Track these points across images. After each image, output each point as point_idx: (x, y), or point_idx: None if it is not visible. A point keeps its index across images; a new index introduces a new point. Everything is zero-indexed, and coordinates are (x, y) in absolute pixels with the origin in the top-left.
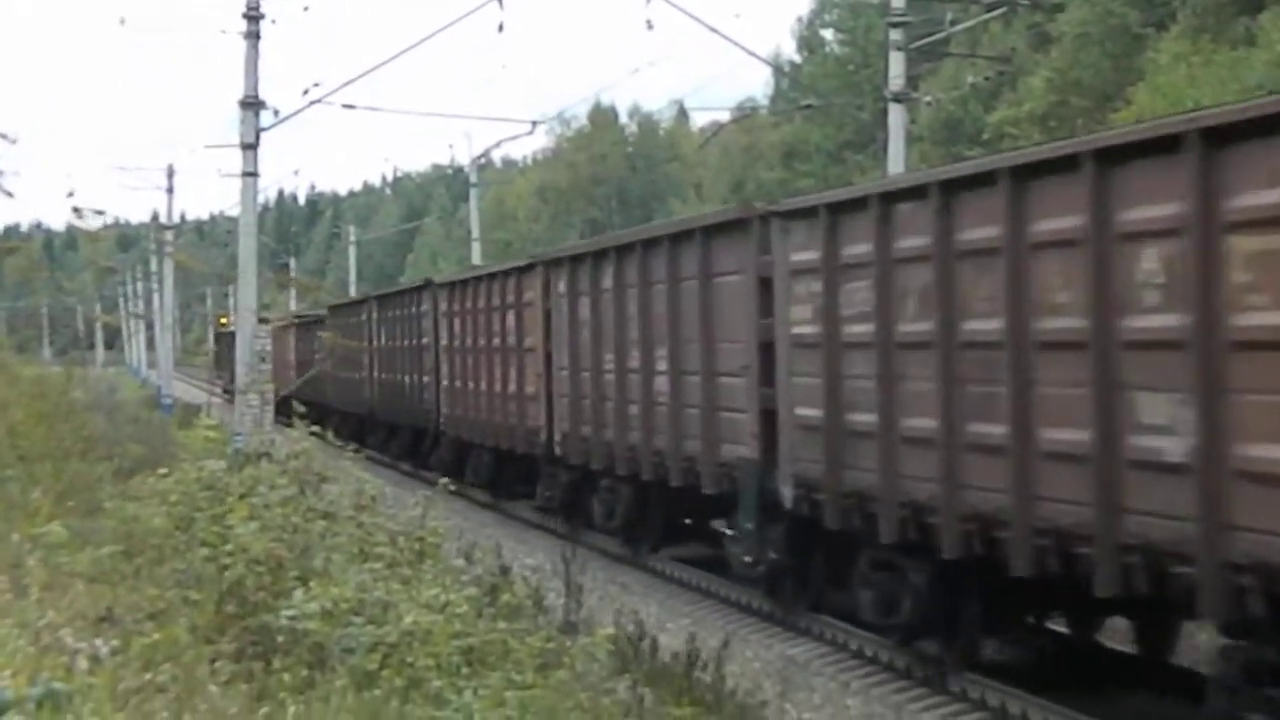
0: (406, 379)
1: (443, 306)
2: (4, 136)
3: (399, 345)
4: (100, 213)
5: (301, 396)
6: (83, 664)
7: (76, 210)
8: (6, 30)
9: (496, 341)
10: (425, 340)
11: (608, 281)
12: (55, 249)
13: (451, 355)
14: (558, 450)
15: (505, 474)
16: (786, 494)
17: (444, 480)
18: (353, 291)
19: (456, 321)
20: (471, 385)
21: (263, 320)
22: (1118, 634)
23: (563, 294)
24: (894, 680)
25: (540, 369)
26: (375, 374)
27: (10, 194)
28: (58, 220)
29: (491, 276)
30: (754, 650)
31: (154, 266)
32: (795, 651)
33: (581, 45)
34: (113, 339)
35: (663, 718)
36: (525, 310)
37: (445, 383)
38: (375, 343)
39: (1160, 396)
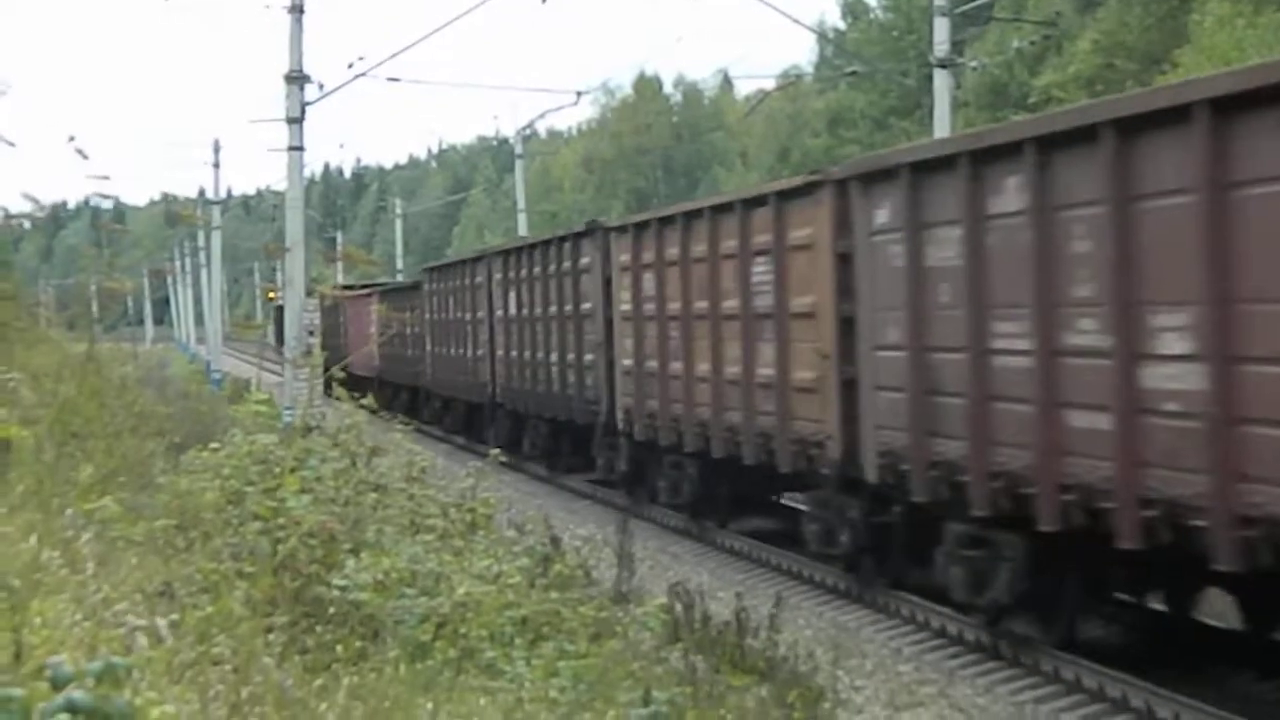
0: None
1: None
2: None
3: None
4: (105, 178)
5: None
6: (141, 640)
7: (83, 154)
8: (52, 10)
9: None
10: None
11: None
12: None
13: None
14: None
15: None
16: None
17: (495, 451)
18: (399, 264)
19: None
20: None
21: (310, 294)
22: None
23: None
24: (945, 646)
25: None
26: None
27: (12, 144)
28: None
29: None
30: (805, 618)
31: (201, 242)
32: (846, 618)
33: (626, 14)
34: (161, 315)
35: (715, 685)
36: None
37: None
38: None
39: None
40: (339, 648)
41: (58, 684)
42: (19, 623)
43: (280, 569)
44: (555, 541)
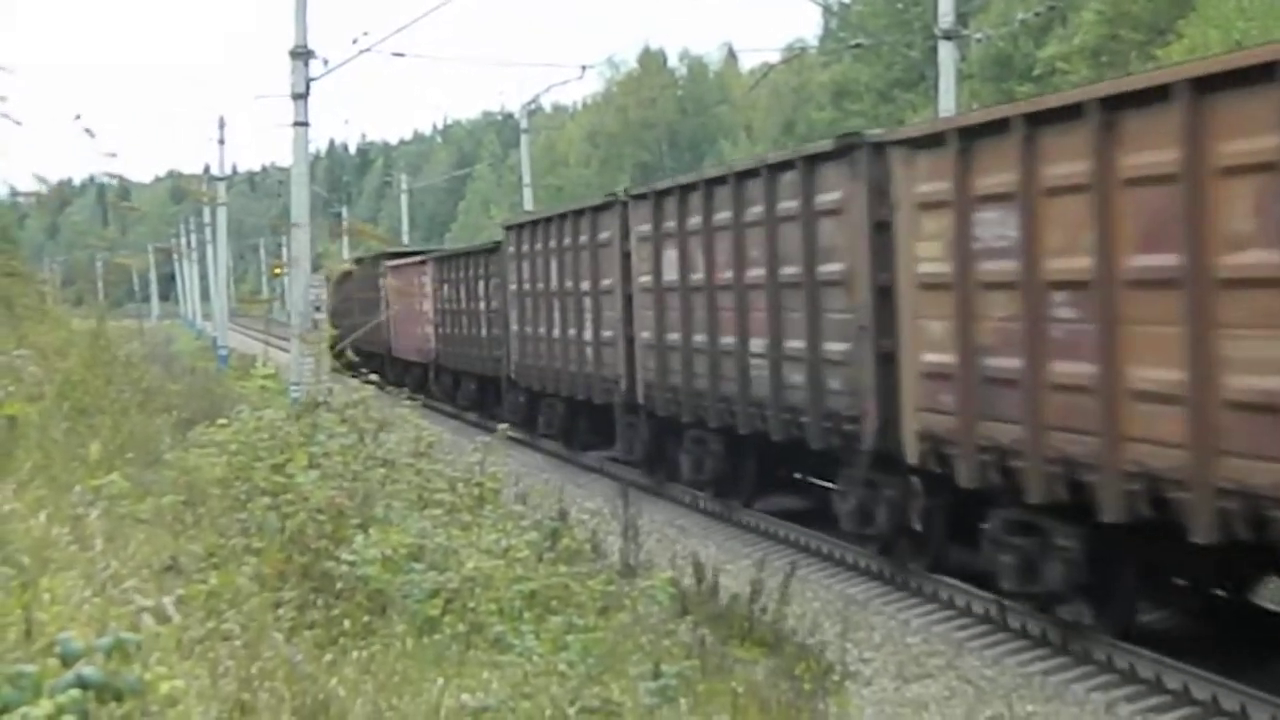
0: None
1: (510, 249)
2: (2, 68)
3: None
4: (113, 155)
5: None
6: (147, 616)
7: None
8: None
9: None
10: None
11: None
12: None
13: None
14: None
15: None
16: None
17: (503, 426)
18: (405, 240)
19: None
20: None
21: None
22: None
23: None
24: (954, 618)
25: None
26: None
27: (19, 122)
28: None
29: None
30: (814, 590)
31: (206, 218)
32: (854, 591)
33: None
34: (167, 291)
35: (724, 658)
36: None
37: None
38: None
39: None
40: (347, 622)
41: (68, 660)
42: (28, 600)
43: (289, 544)
44: (563, 515)
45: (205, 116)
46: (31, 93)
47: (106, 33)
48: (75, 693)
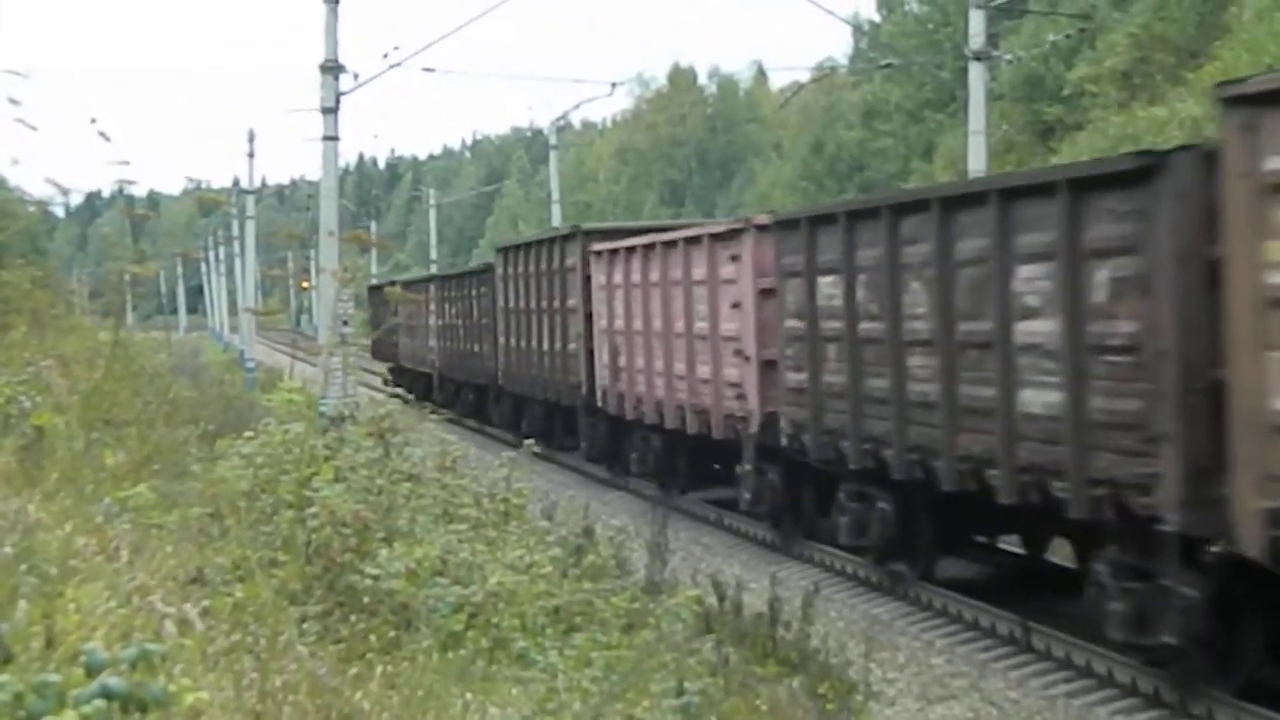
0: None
1: (499, 271)
2: (17, 73)
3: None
4: (126, 163)
5: None
6: (171, 627)
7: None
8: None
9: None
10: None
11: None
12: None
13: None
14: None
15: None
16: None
17: (529, 441)
18: (434, 254)
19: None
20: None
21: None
22: None
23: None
24: (978, 639)
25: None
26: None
27: (34, 127)
28: (142, 185)
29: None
30: (838, 609)
31: (235, 231)
32: (879, 610)
33: (661, 5)
34: (195, 304)
35: (748, 676)
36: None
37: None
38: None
39: None
40: (372, 637)
41: (93, 670)
42: (52, 609)
43: (314, 557)
44: (589, 532)
45: (236, 129)
46: (62, 103)
47: (141, 44)
48: (100, 703)
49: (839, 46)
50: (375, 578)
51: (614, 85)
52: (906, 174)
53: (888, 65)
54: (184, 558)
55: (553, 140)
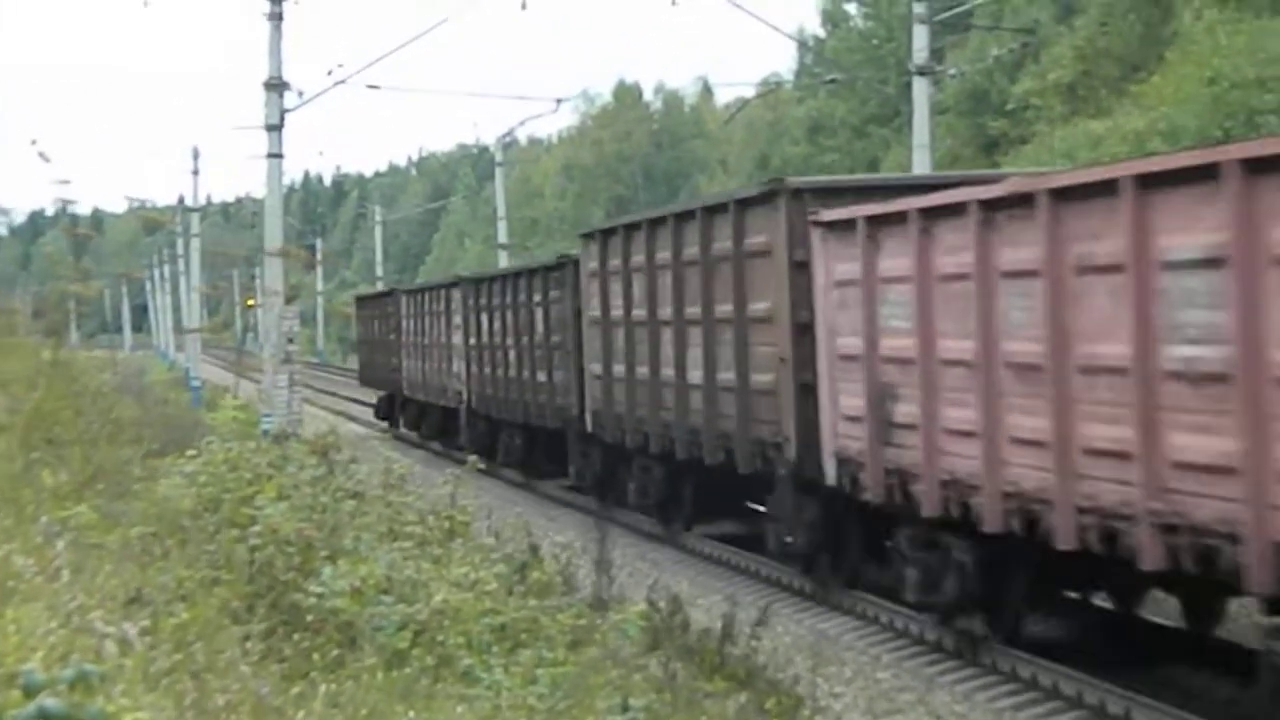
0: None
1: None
2: None
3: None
4: (67, 182)
5: None
6: (111, 648)
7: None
8: (31, 13)
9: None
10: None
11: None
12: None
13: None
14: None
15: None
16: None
17: (473, 458)
18: (379, 271)
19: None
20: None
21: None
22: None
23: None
24: (925, 654)
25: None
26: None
27: (48, 159)
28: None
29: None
30: (785, 625)
31: (180, 249)
32: (826, 626)
33: (605, 22)
34: (140, 322)
35: (694, 692)
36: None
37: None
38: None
39: None
40: (316, 655)
41: (30, 691)
42: None
43: (257, 576)
44: (534, 549)
45: (180, 145)
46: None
47: (82, 62)
48: None
49: (784, 62)
50: (319, 596)
51: (559, 102)
52: None
53: (832, 81)
54: (125, 577)
55: (499, 157)
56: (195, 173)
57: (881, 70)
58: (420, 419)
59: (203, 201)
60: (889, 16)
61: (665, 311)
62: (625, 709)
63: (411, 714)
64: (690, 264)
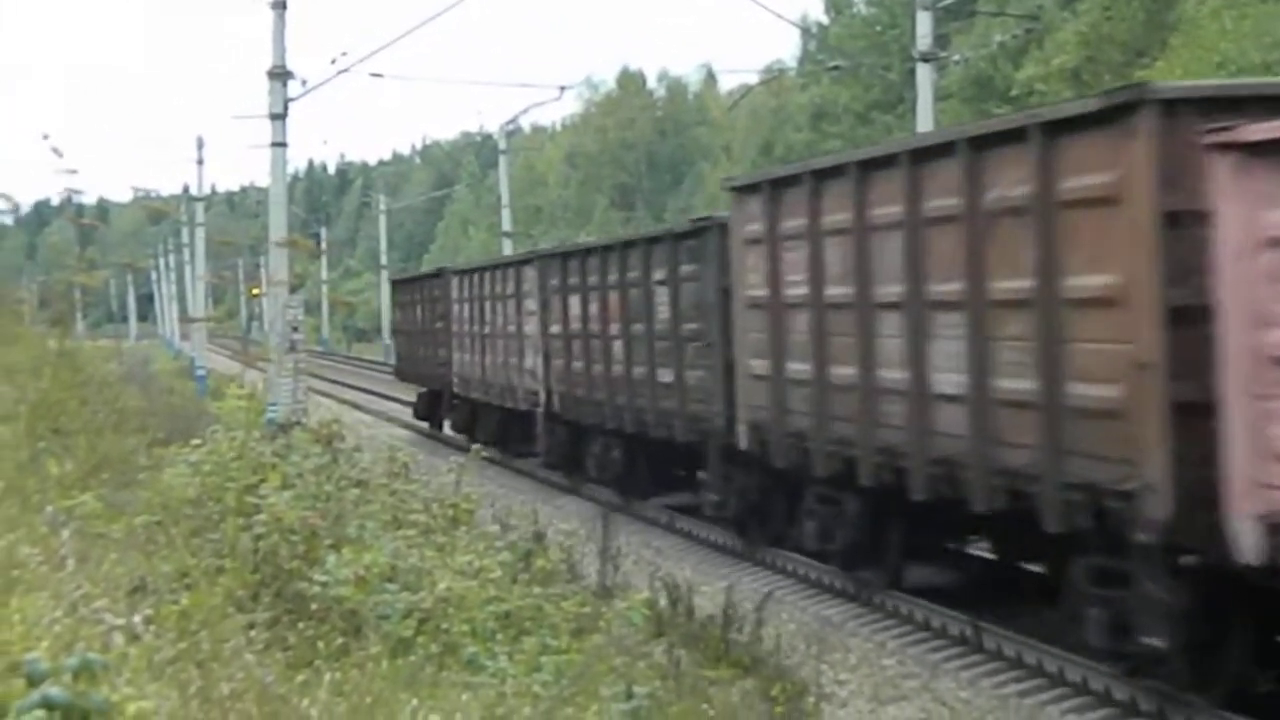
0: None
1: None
2: None
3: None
4: (74, 172)
5: None
6: (116, 636)
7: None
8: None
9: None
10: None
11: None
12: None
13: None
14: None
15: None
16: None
17: (476, 446)
18: (384, 260)
19: (571, 298)
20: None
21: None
22: None
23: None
24: (928, 640)
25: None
26: None
27: (60, 154)
28: (91, 192)
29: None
30: (789, 612)
31: (185, 239)
32: (830, 612)
33: (609, 9)
34: (146, 312)
35: (699, 679)
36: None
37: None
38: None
39: None
40: (320, 643)
41: (34, 680)
42: None
43: (261, 564)
44: (539, 537)
45: (185, 135)
46: (7, 113)
47: (86, 52)
48: (40, 713)
49: (787, 49)
50: (323, 584)
51: (563, 89)
52: None
53: (836, 67)
54: (130, 566)
55: (502, 145)
56: (200, 162)
57: (885, 56)
58: (473, 421)
59: (207, 191)
60: (892, 2)
61: (889, 290)
62: (629, 696)
63: (416, 702)
64: (940, 221)
